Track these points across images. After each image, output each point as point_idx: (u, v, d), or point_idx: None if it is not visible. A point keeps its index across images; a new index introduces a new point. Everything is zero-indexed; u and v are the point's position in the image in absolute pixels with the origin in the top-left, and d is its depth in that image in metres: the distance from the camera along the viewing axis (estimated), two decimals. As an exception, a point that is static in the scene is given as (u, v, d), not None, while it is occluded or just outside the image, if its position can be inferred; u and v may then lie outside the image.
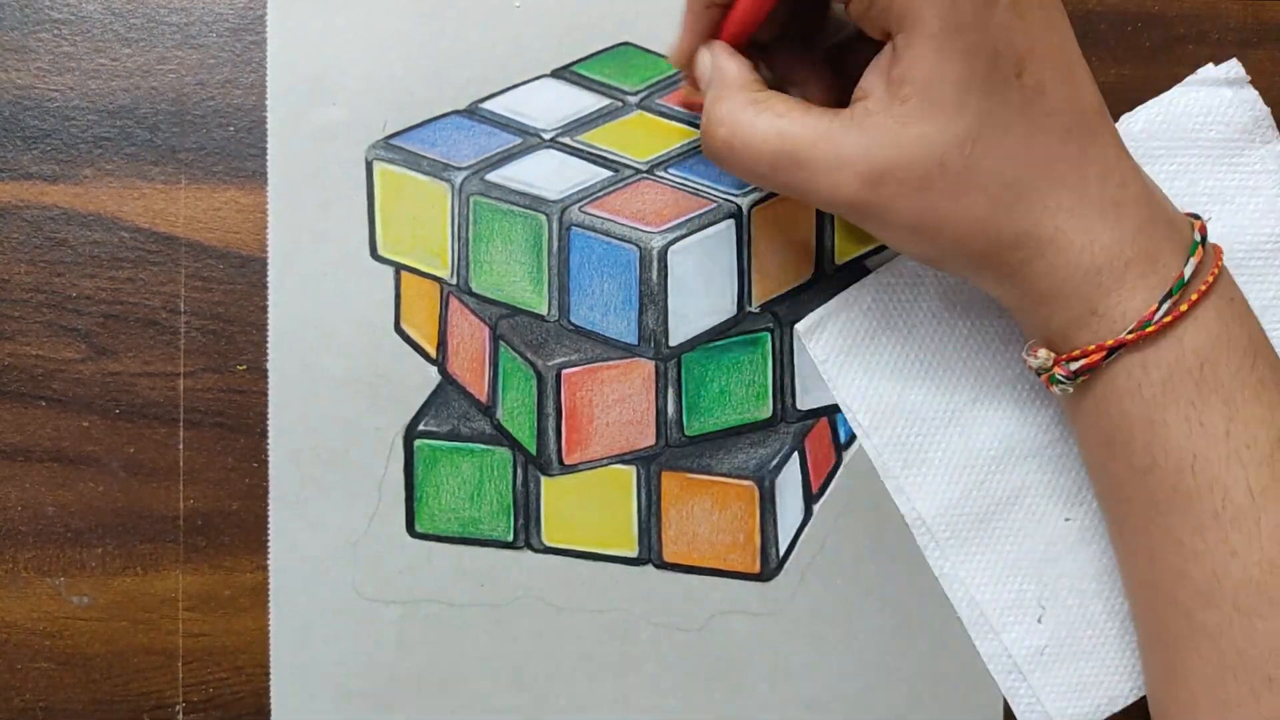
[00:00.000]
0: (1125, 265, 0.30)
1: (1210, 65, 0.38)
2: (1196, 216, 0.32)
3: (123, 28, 0.38)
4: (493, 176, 0.38)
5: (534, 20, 0.38)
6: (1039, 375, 0.33)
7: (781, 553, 0.38)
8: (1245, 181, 0.38)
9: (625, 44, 0.38)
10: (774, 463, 0.38)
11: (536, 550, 0.38)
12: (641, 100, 0.38)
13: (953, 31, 0.28)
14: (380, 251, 0.38)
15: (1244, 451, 0.30)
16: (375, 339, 0.38)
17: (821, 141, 0.30)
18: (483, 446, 0.38)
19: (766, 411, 0.38)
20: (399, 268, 0.38)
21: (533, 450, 0.38)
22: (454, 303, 0.38)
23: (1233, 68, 0.38)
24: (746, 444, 0.38)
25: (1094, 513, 0.37)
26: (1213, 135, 0.38)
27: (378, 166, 0.38)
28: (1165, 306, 0.30)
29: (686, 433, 0.38)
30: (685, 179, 0.38)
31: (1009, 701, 0.38)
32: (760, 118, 0.31)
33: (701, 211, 0.38)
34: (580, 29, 0.38)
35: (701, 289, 0.38)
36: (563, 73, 0.38)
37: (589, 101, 0.38)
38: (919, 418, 0.37)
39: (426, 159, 0.38)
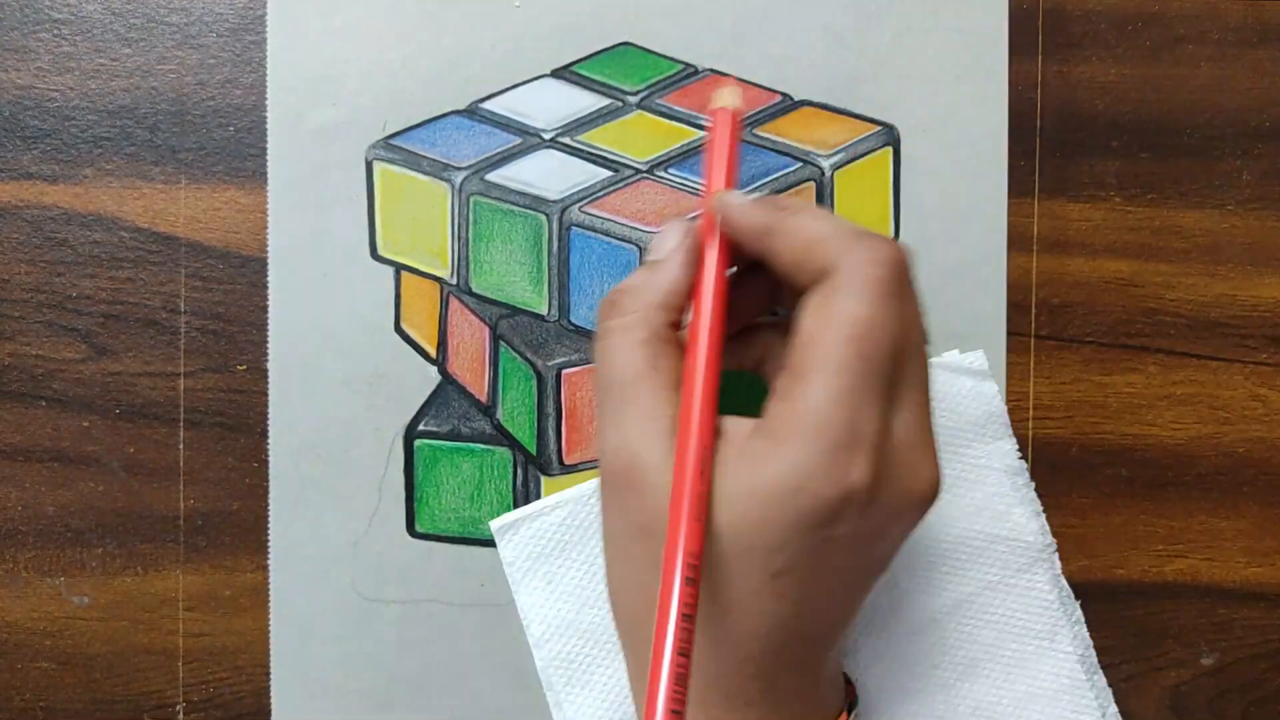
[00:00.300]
0: None
1: (956, 352, 0.37)
2: (853, 705, 0.32)
3: (123, 28, 0.38)
4: (493, 176, 0.38)
5: (534, 20, 0.38)
6: None
7: (781, 553, 0.38)
8: (966, 474, 0.37)
9: (625, 44, 0.38)
10: (774, 463, 0.38)
11: (536, 550, 0.38)
12: (641, 100, 0.38)
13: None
14: (380, 251, 0.38)
15: None
16: (375, 339, 0.38)
17: (648, 421, 0.29)
18: (483, 446, 0.38)
19: (766, 411, 0.38)
20: (399, 268, 0.38)
21: (533, 450, 0.38)
22: (454, 303, 0.38)
23: (978, 358, 0.37)
24: (746, 444, 0.38)
25: None
26: (943, 422, 0.37)
27: (378, 166, 0.38)
28: None
29: (686, 433, 0.38)
30: (685, 179, 0.38)
31: None
32: (641, 350, 0.30)
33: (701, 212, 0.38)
34: (580, 29, 0.38)
35: (701, 289, 0.38)
36: (563, 73, 0.38)
37: (589, 101, 0.38)
38: (592, 638, 0.37)
39: (426, 159, 0.38)
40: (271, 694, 0.38)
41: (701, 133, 0.38)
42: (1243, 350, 0.39)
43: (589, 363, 0.38)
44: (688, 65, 0.38)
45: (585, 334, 0.38)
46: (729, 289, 0.31)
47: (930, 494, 0.29)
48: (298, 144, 0.37)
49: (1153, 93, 0.39)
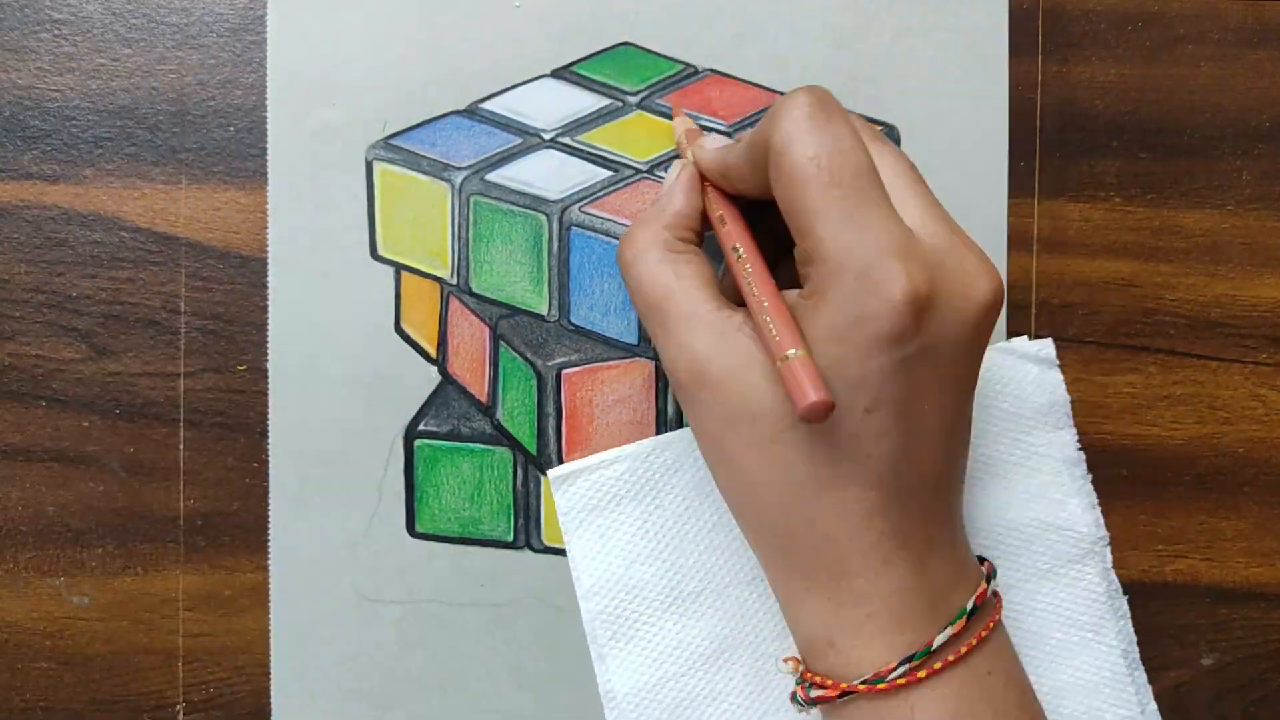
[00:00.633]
0: (866, 616, 0.29)
1: (1024, 338, 0.38)
2: (990, 577, 0.32)
3: (123, 28, 0.38)
4: (493, 176, 0.38)
5: (534, 20, 0.38)
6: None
7: (781, 553, 0.38)
8: (1025, 461, 0.37)
9: (625, 44, 0.38)
10: (774, 463, 0.38)
11: (536, 550, 0.38)
12: (641, 100, 0.38)
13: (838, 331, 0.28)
14: (380, 251, 0.38)
15: None
16: (375, 339, 0.38)
17: (692, 320, 0.31)
18: (483, 446, 0.38)
19: (766, 411, 0.38)
20: (399, 268, 0.38)
21: (533, 450, 0.38)
22: (454, 303, 0.38)
23: (1045, 347, 0.38)
24: (746, 444, 0.38)
25: None
26: (1005, 407, 0.37)
27: (378, 166, 0.38)
28: (900, 670, 0.29)
29: (686, 433, 0.38)
30: (685, 179, 0.38)
31: None
32: (661, 266, 0.31)
33: (701, 211, 0.38)
34: (580, 29, 0.38)
35: (701, 289, 0.38)
36: (563, 73, 0.38)
37: (589, 101, 0.38)
38: (639, 595, 0.37)
39: (426, 159, 0.38)
40: (271, 694, 0.38)
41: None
42: (1243, 350, 0.39)
43: (589, 363, 0.38)
44: (688, 65, 0.38)
45: (585, 334, 0.38)
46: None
47: (989, 290, 0.29)
48: (298, 144, 0.37)
49: (1153, 93, 0.39)
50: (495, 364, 0.38)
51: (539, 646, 0.38)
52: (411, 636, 0.38)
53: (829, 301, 0.28)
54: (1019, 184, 0.39)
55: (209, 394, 0.37)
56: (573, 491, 0.37)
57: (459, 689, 0.38)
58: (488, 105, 0.38)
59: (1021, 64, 0.39)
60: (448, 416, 0.38)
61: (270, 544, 0.37)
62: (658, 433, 0.38)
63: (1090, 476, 0.38)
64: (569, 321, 0.38)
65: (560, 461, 0.38)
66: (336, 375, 0.37)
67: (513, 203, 0.38)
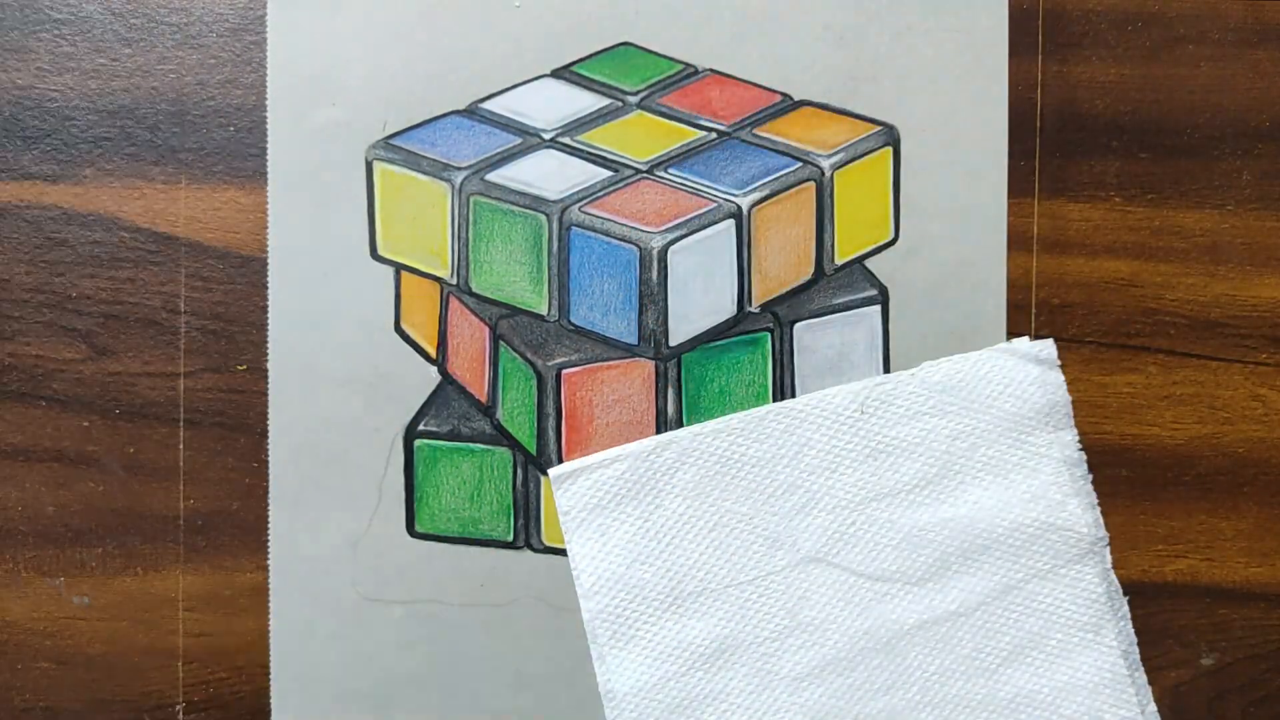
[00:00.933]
0: None
1: (1025, 339, 0.38)
2: None
3: (123, 28, 0.38)
4: (493, 176, 0.38)
5: (534, 20, 0.38)
6: None
7: (781, 553, 0.38)
8: (1026, 461, 0.37)
9: (625, 44, 0.38)
10: (774, 463, 0.38)
11: (536, 550, 0.38)
12: (641, 100, 0.38)
13: None
14: (380, 251, 0.38)
15: None
16: (375, 339, 0.38)
17: None
18: (483, 446, 0.38)
19: (766, 411, 0.38)
20: (399, 268, 0.38)
21: (533, 450, 0.38)
22: (454, 303, 0.38)
23: (1046, 348, 0.38)
24: (746, 444, 0.38)
25: None
26: (1007, 408, 0.37)
27: (378, 166, 0.38)
28: None
29: (686, 433, 0.38)
30: (685, 179, 0.38)
31: None
32: None
33: (701, 211, 0.38)
34: (580, 29, 0.38)
35: (701, 289, 0.38)
36: (563, 73, 0.38)
37: (589, 101, 0.38)
38: (640, 595, 0.37)
39: (426, 159, 0.38)
40: (271, 694, 0.38)
41: (701, 133, 0.38)
42: (1243, 350, 0.39)
43: (589, 363, 0.38)
44: (688, 65, 0.38)
45: (585, 334, 0.38)
46: None
47: None
48: (298, 144, 0.37)
49: (1153, 93, 0.39)
50: (495, 364, 0.38)
51: (539, 646, 0.38)
52: (411, 636, 0.38)
53: None
54: (1019, 184, 0.39)
55: (209, 394, 0.37)
56: (574, 490, 0.37)
57: (459, 689, 0.38)
58: (488, 105, 0.38)
59: (1021, 64, 0.39)
60: (448, 416, 0.38)
61: (270, 544, 0.37)
62: (658, 433, 0.38)
63: (1090, 477, 0.38)
64: (569, 321, 0.38)
65: (560, 461, 0.38)
66: (336, 375, 0.37)
67: (513, 203, 0.38)
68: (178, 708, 0.38)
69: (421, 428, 0.38)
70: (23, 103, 0.37)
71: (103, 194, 0.37)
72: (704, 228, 0.38)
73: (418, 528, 0.38)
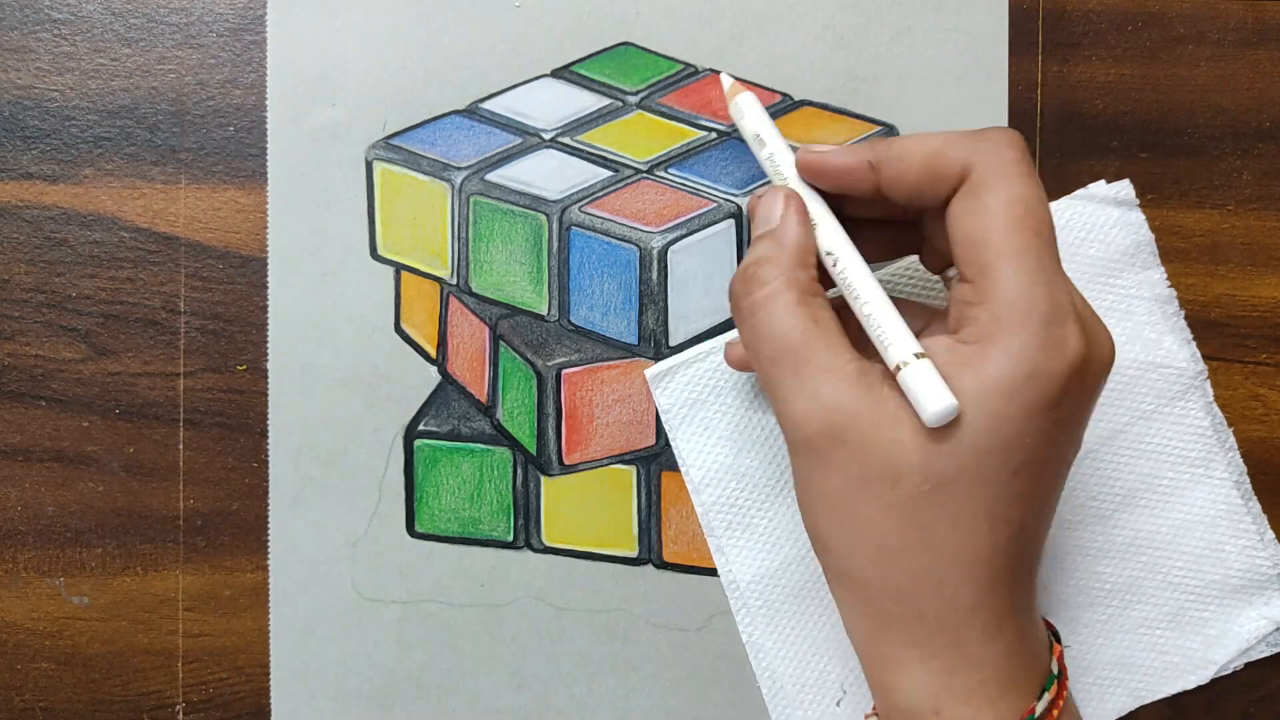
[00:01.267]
0: (978, 684, 0.29)
1: (1102, 182, 0.38)
2: (1056, 633, 0.31)
3: (123, 28, 0.38)
4: (493, 176, 0.38)
5: (534, 20, 0.38)
6: None
7: (781, 553, 0.38)
8: (1117, 304, 0.37)
9: (625, 44, 0.38)
10: (774, 463, 0.38)
11: (536, 550, 0.38)
12: (641, 100, 0.38)
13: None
14: (380, 251, 0.38)
15: None
16: (375, 339, 0.38)
17: (831, 372, 0.29)
18: (483, 446, 0.38)
19: (766, 411, 0.38)
20: (399, 268, 0.38)
21: (533, 450, 0.38)
22: (454, 303, 0.38)
23: (1124, 188, 0.38)
24: (746, 444, 0.38)
25: None
26: (1092, 253, 0.37)
27: (378, 166, 0.38)
28: None
29: (686, 433, 0.38)
30: (685, 179, 0.38)
31: None
32: (797, 310, 0.29)
33: (701, 211, 0.38)
34: (580, 29, 0.38)
35: (701, 289, 0.38)
36: (563, 73, 0.38)
37: (589, 101, 0.38)
38: (751, 482, 0.37)
39: (426, 159, 0.38)
40: (271, 694, 0.38)
41: (701, 133, 0.38)
42: (1243, 350, 0.39)
43: (589, 363, 0.38)
44: (688, 65, 0.38)
45: (585, 334, 0.38)
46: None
47: (1111, 357, 0.29)
48: (298, 144, 0.37)
49: (1153, 93, 0.39)
50: (495, 364, 0.38)
51: (539, 646, 0.38)
52: (411, 636, 0.38)
53: (1002, 351, 0.27)
54: (1019, 184, 0.39)
55: (209, 394, 0.37)
56: (672, 388, 0.37)
57: (459, 689, 0.38)
58: (488, 105, 0.38)
59: (1021, 64, 0.39)
60: (448, 416, 0.38)
61: (270, 544, 0.37)
62: (657, 433, 0.38)
63: (1183, 313, 0.38)
64: (569, 321, 0.38)
65: (560, 462, 0.38)
66: (336, 375, 0.37)
67: (512, 203, 0.38)
68: (178, 708, 0.38)
69: (421, 428, 0.38)
70: (23, 103, 0.37)
71: (103, 194, 0.37)
72: (704, 228, 0.38)
73: (418, 528, 0.38)
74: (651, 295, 0.38)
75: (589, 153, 0.38)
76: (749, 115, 0.35)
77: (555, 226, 0.38)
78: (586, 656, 0.38)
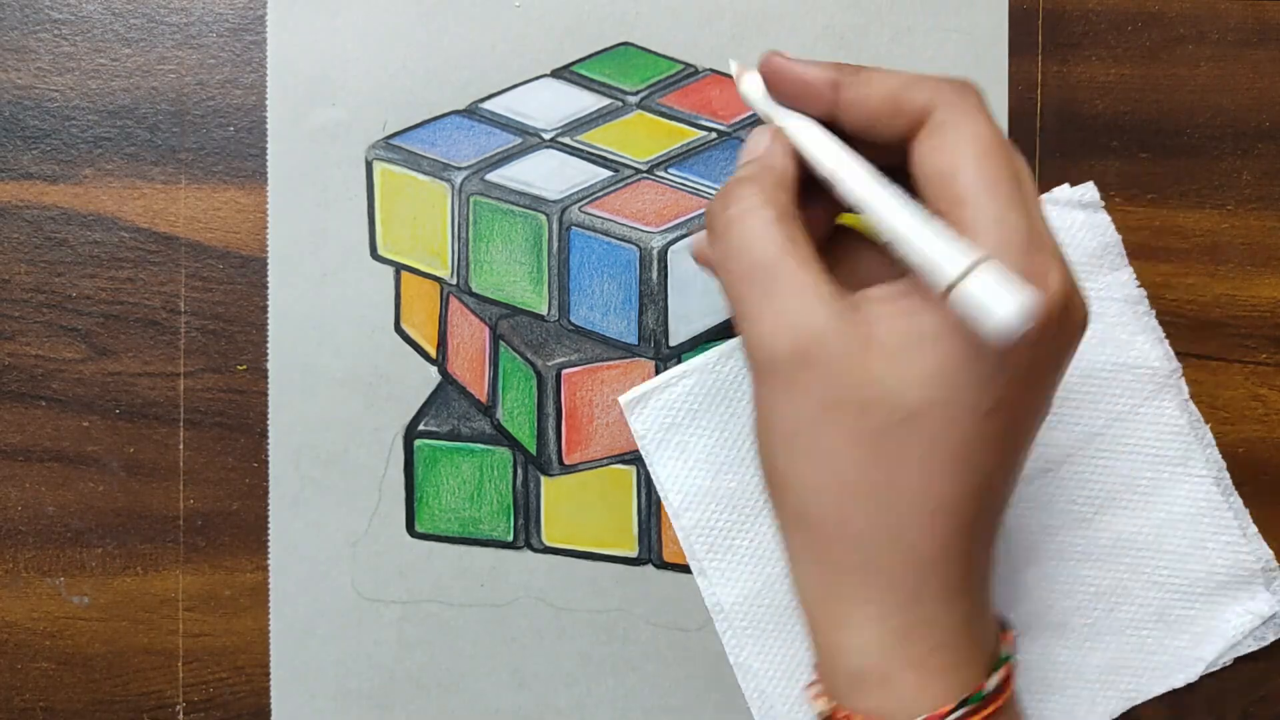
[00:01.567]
0: (930, 650, 0.27)
1: (1065, 186, 0.38)
2: (1007, 622, 0.30)
3: (123, 28, 0.38)
4: (493, 176, 0.38)
5: (534, 20, 0.38)
6: None
7: (781, 553, 0.38)
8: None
9: (625, 44, 0.38)
10: (774, 463, 0.38)
11: (536, 550, 0.38)
12: (641, 100, 0.38)
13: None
14: (380, 251, 0.38)
15: None
16: (375, 339, 0.38)
17: (805, 292, 0.27)
18: (483, 446, 0.38)
19: (766, 411, 0.38)
20: (399, 268, 0.38)
21: (533, 450, 0.38)
22: (454, 303, 0.38)
23: (1088, 190, 0.38)
24: (746, 444, 0.38)
25: None
26: None
27: (378, 166, 0.38)
28: (960, 713, 0.27)
29: (686, 433, 0.38)
30: (685, 179, 0.38)
31: None
32: (774, 228, 0.28)
33: (701, 211, 0.38)
34: (580, 29, 0.38)
35: (701, 289, 0.38)
36: (563, 73, 0.38)
37: (589, 101, 0.38)
38: (730, 504, 0.37)
39: (426, 159, 0.38)
40: (271, 694, 0.38)
41: (701, 133, 0.38)
42: (1243, 350, 0.39)
43: (589, 363, 0.38)
44: (688, 65, 0.38)
45: (585, 334, 0.38)
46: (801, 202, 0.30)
47: (1086, 319, 0.27)
48: (298, 144, 0.37)
49: (1153, 93, 0.39)
50: (495, 364, 0.38)
51: (539, 646, 0.38)
52: (411, 636, 0.38)
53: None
54: (1019, 184, 0.39)
55: (209, 394, 0.37)
56: (646, 413, 0.37)
57: (459, 689, 0.38)
58: (488, 105, 0.38)
59: (1021, 64, 0.39)
60: (448, 416, 0.38)
61: (270, 544, 0.37)
62: (658, 433, 0.38)
63: (1154, 312, 0.37)
64: (569, 321, 0.38)
65: (560, 462, 0.38)
66: (336, 375, 0.37)
67: (512, 203, 0.38)
68: (178, 708, 0.38)
69: (421, 428, 0.38)
70: (23, 103, 0.37)
71: (103, 194, 0.37)
72: (704, 228, 0.38)
73: (418, 528, 0.38)
74: (651, 295, 0.38)
75: (589, 153, 0.38)
76: (748, 80, 0.32)
77: (555, 226, 0.38)
78: (586, 656, 0.38)
